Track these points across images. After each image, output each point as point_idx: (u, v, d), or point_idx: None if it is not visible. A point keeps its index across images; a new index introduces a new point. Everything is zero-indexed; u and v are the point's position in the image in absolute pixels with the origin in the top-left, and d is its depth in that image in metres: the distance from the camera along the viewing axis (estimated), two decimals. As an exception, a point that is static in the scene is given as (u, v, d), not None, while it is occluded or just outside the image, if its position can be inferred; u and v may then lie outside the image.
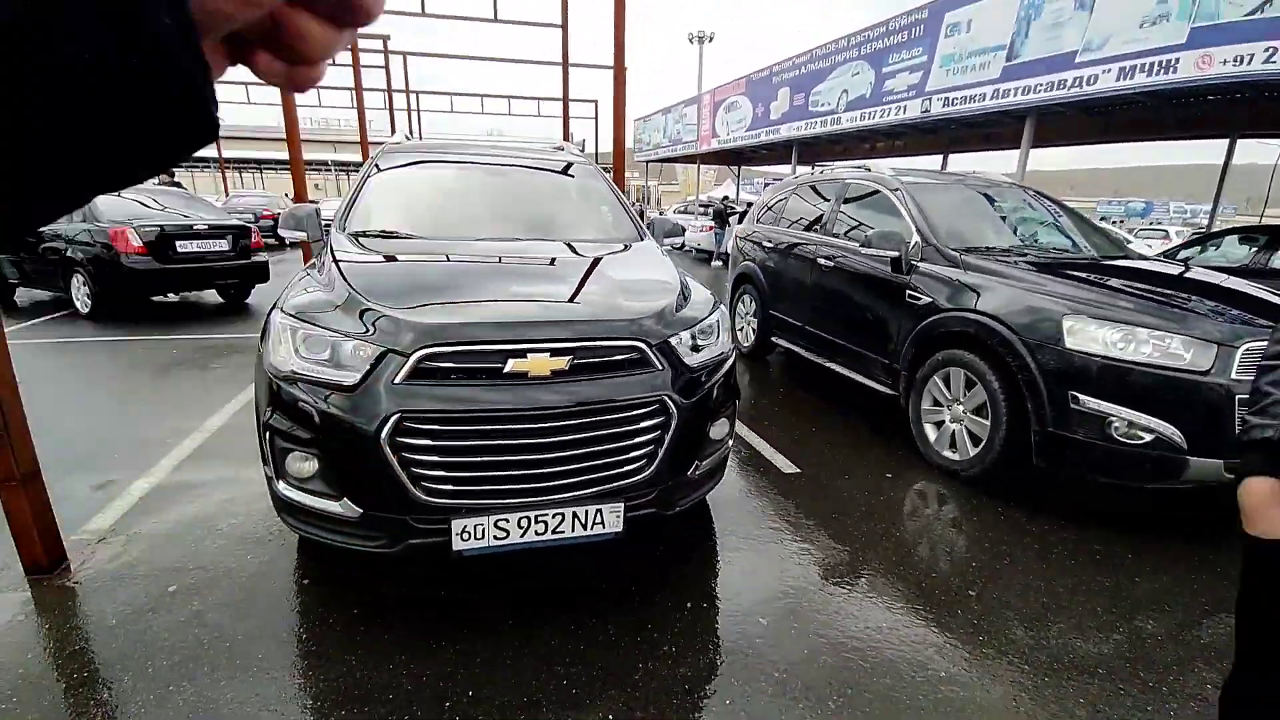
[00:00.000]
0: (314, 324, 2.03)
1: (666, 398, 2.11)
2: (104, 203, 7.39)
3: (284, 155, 6.64)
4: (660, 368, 2.14)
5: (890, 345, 3.87)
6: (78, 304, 7.17)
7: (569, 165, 3.83)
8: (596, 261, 2.76)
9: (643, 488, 2.12)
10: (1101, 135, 11.20)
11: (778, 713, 1.82)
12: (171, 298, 8.41)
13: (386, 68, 13.70)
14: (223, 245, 7.59)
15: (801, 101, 12.99)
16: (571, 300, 2.24)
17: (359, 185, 3.30)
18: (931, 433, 3.58)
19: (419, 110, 20.72)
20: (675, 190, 43.52)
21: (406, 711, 1.78)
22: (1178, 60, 6.60)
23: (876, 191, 4.41)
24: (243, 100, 17.59)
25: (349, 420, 1.87)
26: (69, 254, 6.99)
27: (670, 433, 2.12)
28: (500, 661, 1.97)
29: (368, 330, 1.97)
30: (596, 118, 20.87)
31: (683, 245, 18.90)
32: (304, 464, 1.98)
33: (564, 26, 9.24)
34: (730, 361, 2.46)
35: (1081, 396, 2.80)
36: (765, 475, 3.40)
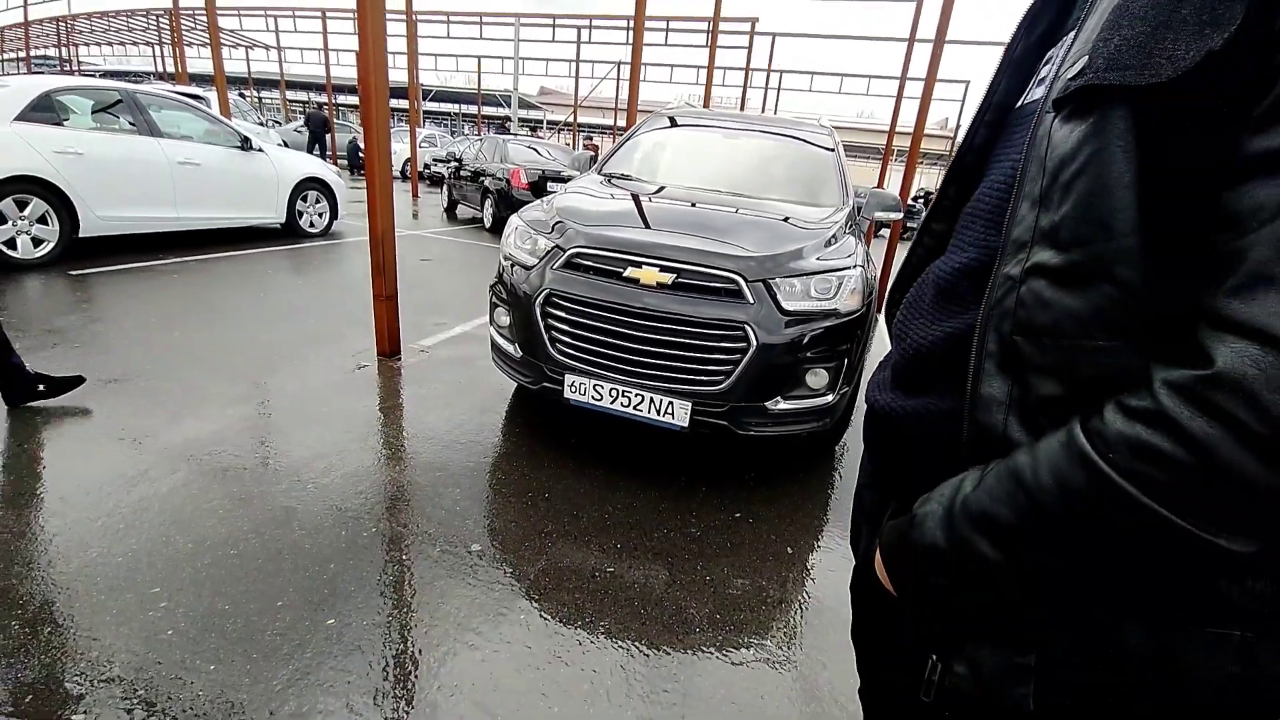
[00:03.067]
0: (528, 225, 2.94)
1: (749, 327, 2.43)
2: (514, 149, 10.15)
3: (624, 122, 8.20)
4: (751, 301, 2.46)
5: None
6: (485, 220, 10.13)
7: (807, 139, 4.08)
8: (764, 215, 3.09)
9: (714, 398, 2.51)
10: None
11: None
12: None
13: (749, 49, 14.80)
14: None
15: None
16: (702, 237, 2.69)
17: (623, 139, 4.19)
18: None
19: (779, 89, 21.67)
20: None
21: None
22: None
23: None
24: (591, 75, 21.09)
25: (524, 289, 2.73)
26: (486, 184, 9.90)
27: (747, 358, 2.45)
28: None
29: (552, 232, 2.79)
30: (963, 100, 18.80)
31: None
32: (503, 316, 2.94)
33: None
34: (844, 320, 2.59)
35: None
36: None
